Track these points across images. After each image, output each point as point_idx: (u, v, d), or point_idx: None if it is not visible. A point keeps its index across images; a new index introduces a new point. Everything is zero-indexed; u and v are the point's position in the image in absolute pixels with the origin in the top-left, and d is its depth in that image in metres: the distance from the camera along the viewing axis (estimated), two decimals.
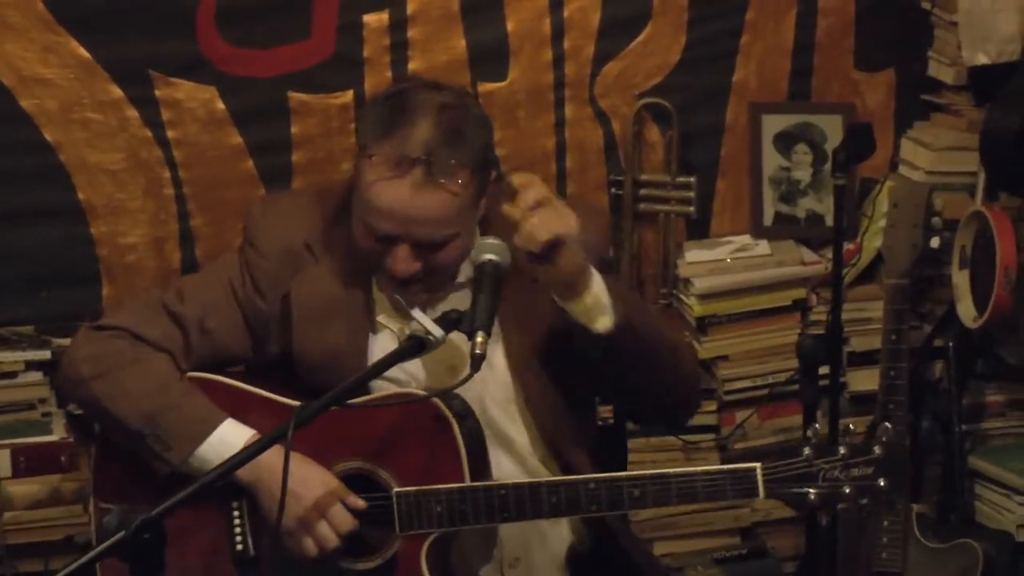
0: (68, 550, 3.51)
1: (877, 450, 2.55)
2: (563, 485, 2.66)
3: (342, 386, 2.56)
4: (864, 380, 3.92)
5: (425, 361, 2.78)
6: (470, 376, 2.56)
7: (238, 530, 2.76)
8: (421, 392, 2.75)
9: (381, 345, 2.82)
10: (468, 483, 2.68)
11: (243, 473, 2.63)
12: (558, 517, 2.72)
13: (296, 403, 2.68)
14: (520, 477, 2.81)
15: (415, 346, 2.59)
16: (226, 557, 2.76)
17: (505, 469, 2.82)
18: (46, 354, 3.56)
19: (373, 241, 2.73)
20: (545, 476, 2.84)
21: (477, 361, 2.54)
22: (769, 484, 2.60)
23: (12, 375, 3.56)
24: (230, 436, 2.71)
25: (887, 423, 2.61)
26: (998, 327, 3.78)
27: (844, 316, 3.70)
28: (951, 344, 3.90)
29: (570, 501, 2.65)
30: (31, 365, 3.56)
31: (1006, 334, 3.86)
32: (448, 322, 2.60)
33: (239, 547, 2.75)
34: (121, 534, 2.21)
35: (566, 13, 3.79)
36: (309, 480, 2.69)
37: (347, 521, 2.68)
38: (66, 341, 3.56)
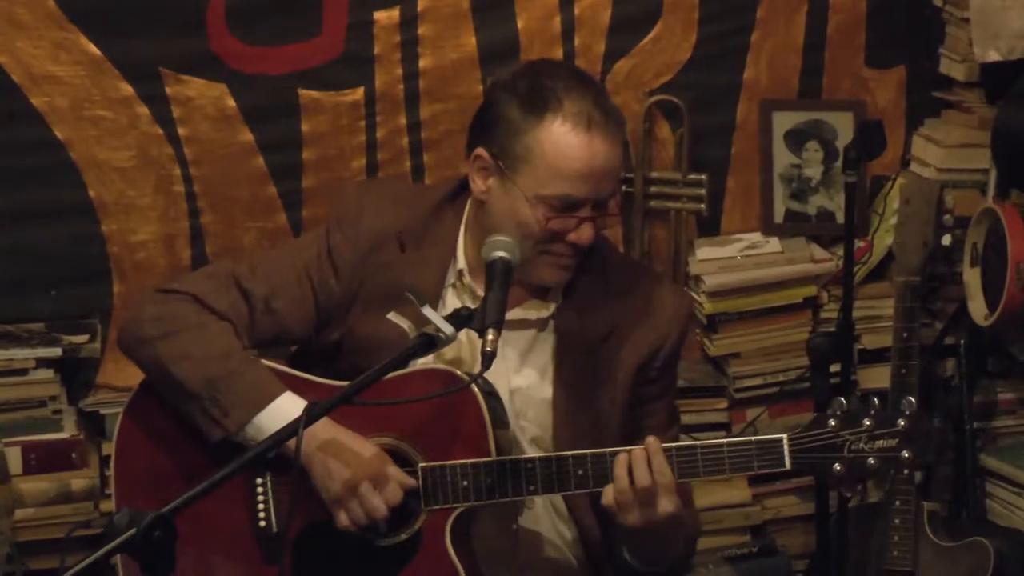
0: (79, 547, 3.51)
1: (901, 422, 2.57)
2: (590, 457, 2.67)
3: (354, 383, 2.56)
4: (875, 378, 3.91)
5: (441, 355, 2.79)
6: (481, 374, 2.56)
7: (261, 506, 2.76)
8: (450, 369, 2.75)
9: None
10: (495, 457, 2.69)
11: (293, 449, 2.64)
12: (585, 490, 2.71)
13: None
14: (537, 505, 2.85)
15: (425, 343, 2.59)
16: (248, 532, 2.76)
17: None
18: (57, 351, 3.57)
19: (553, 219, 2.72)
20: (557, 514, 2.88)
21: (488, 359, 2.54)
22: (795, 455, 2.61)
23: (23, 372, 3.56)
24: (288, 408, 2.69)
25: (910, 397, 2.62)
26: (1009, 325, 3.77)
27: (855, 314, 3.70)
28: (962, 342, 3.89)
29: (596, 473, 2.66)
30: (41, 362, 3.56)
31: (1017, 332, 3.86)
32: (459, 319, 2.60)
33: (262, 523, 2.76)
34: (131, 532, 2.20)
35: (576, 11, 3.78)
36: (363, 452, 2.69)
37: (397, 494, 2.68)
38: (77, 339, 3.59)
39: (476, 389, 2.70)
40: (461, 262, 2.85)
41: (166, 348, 2.76)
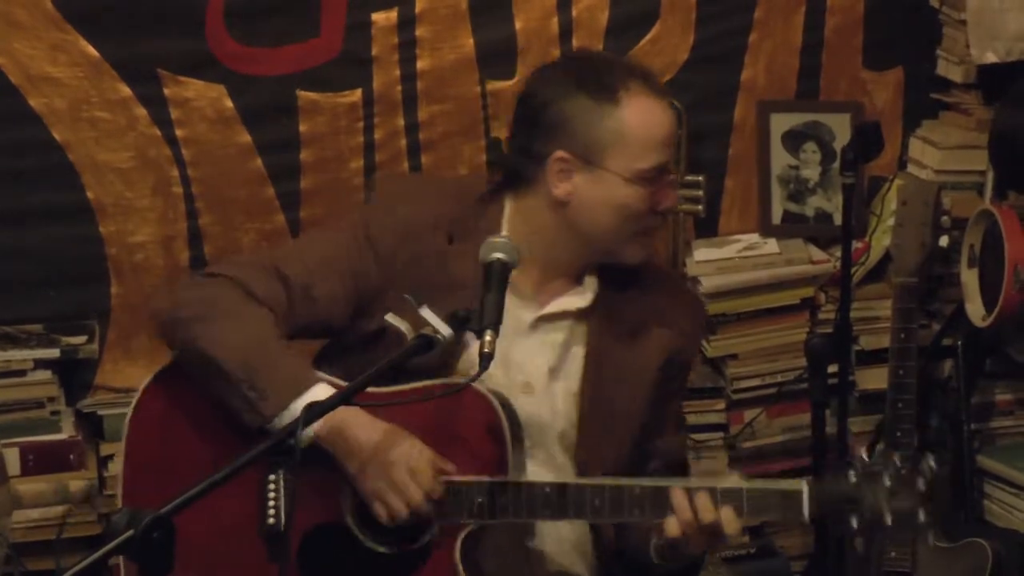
0: (77, 548, 3.52)
1: (921, 485, 2.55)
2: (608, 488, 2.65)
3: (353, 384, 2.56)
4: (873, 379, 3.92)
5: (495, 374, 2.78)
6: (479, 375, 2.55)
7: (271, 503, 2.75)
8: (461, 379, 2.73)
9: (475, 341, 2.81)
10: (511, 477, 2.68)
11: (332, 442, 2.66)
12: (600, 520, 2.71)
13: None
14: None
15: (423, 344, 2.58)
16: (256, 529, 2.75)
17: (533, 474, 2.79)
18: (55, 352, 3.57)
19: (653, 191, 2.76)
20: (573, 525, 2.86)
21: (486, 360, 2.53)
22: (814, 505, 2.59)
23: (21, 373, 3.56)
24: (325, 396, 2.65)
25: (931, 459, 2.61)
26: (1007, 326, 3.78)
27: (853, 315, 3.70)
28: (960, 343, 3.89)
29: (614, 504, 2.64)
30: (40, 363, 3.56)
31: (1015, 333, 3.86)
32: (457, 321, 2.60)
33: (270, 520, 2.75)
34: (130, 532, 2.20)
35: (574, 12, 3.79)
36: (401, 441, 2.68)
37: (436, 488, 2.66)
38: (75, 340, 3.59)
39: (498, 406, 2.69)
40: None
41: (205, 331, 2.74)
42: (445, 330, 2.58)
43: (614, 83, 2.75)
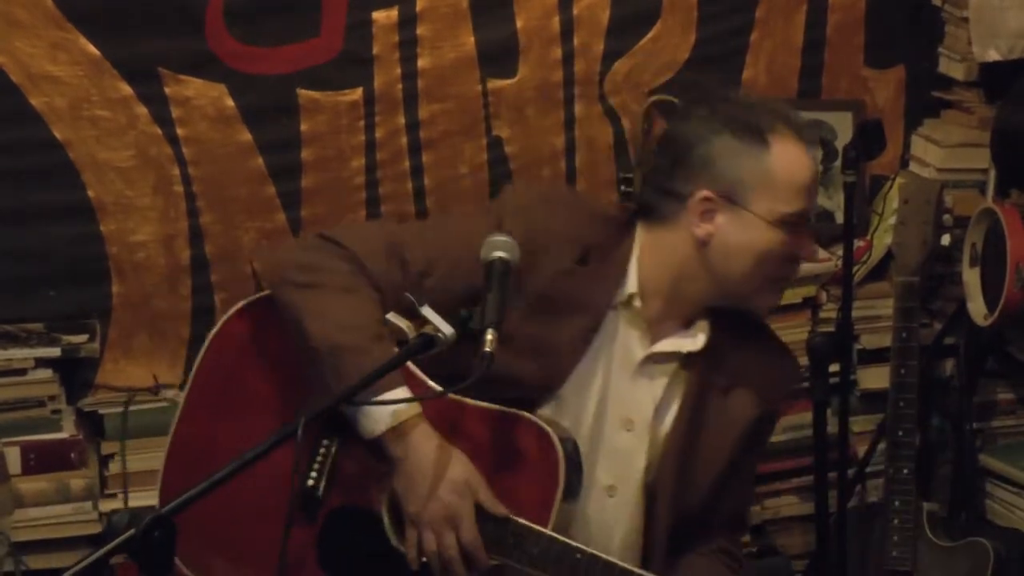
0: (78, 547, 3.52)
1: None
2: (635, 575, 2.65)
3: (352, 385, 2.55)
4: (874, 378, 3.91)
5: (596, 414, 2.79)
6: (476, 376, 2.53)
7: (316, 466, 2.72)
8: (537, 421, 2.72)
9: (589, 367, 2.80)
10: (549, 531, 2.66)
11: (393, 446, 2.64)
12: None
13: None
14: (615, 519, 2.82)
15: (424, 343, 2.58)
16: (289, 487, 2.71)
17: (609, 509, 2.82)
18: (56, 351, 3.56)
19: (789, 237, 2.75)
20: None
21: (487, 359, 2.53)
22: None
23: (22, 372, 3.55)
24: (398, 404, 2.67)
25: None
26: (1009, 325, 3.78)
27: (854, 314, 3.70)
28: (962, 342, 3.90)
29: None
30: (40, 362, 3.56)
31: (1017, 332, 3.86)
32: (458, 320, 2.60)
33: (310, 481, 2.71)
34: (131, 532, 2.20)
35: (575, 11, 3.78)
36: (454, 481, 2.67)
37: (475, 544, 2.66)
38: (76, 339, 3.58)
39: (562, 455, 2.67)
40: (633, 286, 2.80)
41: (304, 299, 2.72)
42: (447, 329, 2.57)
43: (762, 125, 2.74)
